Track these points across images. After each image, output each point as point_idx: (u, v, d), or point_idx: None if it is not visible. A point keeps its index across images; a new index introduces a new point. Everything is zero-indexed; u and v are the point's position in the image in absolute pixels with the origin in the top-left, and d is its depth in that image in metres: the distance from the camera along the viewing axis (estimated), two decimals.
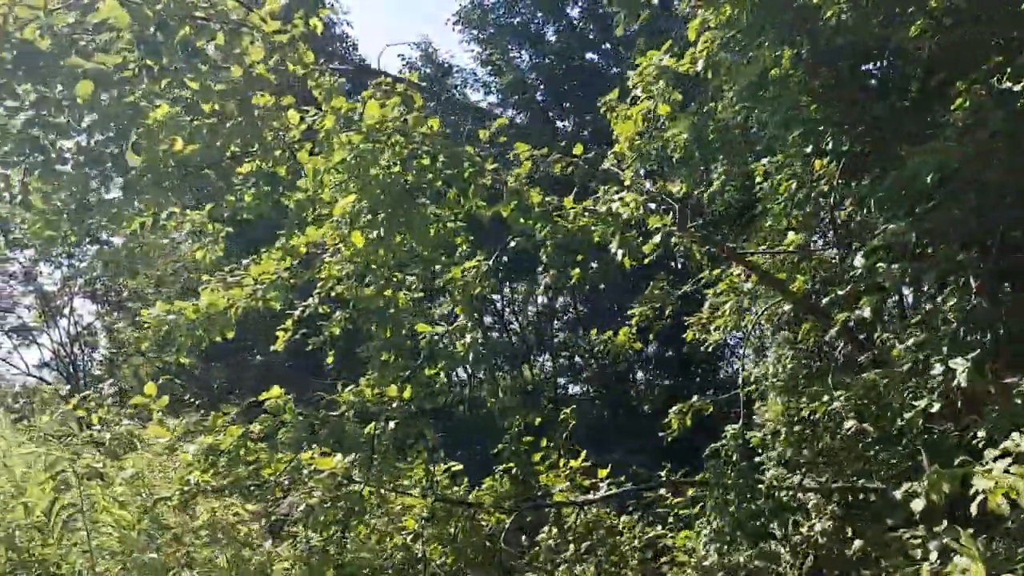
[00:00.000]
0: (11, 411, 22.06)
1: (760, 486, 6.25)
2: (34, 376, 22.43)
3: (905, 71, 6.31)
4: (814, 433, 6.34)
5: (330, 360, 7.80)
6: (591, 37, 21.38)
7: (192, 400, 15.42)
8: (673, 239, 6.04)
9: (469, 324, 6.29)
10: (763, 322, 7.61)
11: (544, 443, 7.35)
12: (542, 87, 21.21)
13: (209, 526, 5.94)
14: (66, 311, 21.90)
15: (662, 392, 19.20)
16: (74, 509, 5.50)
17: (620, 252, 5.51)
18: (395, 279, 6.04)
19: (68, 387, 22.27)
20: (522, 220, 6.14)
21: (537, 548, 7.44)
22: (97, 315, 22.58)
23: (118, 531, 5.26)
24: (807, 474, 6.18)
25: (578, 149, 6.22)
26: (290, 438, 6.35)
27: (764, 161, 6.73)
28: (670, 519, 8.24)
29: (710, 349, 7.73)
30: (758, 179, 6.82)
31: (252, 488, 6.41)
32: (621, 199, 5.40)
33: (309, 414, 6.30)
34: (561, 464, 7.35)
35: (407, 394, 6.19)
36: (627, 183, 5.50)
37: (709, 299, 7.85)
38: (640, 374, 22.04)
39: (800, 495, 6.11)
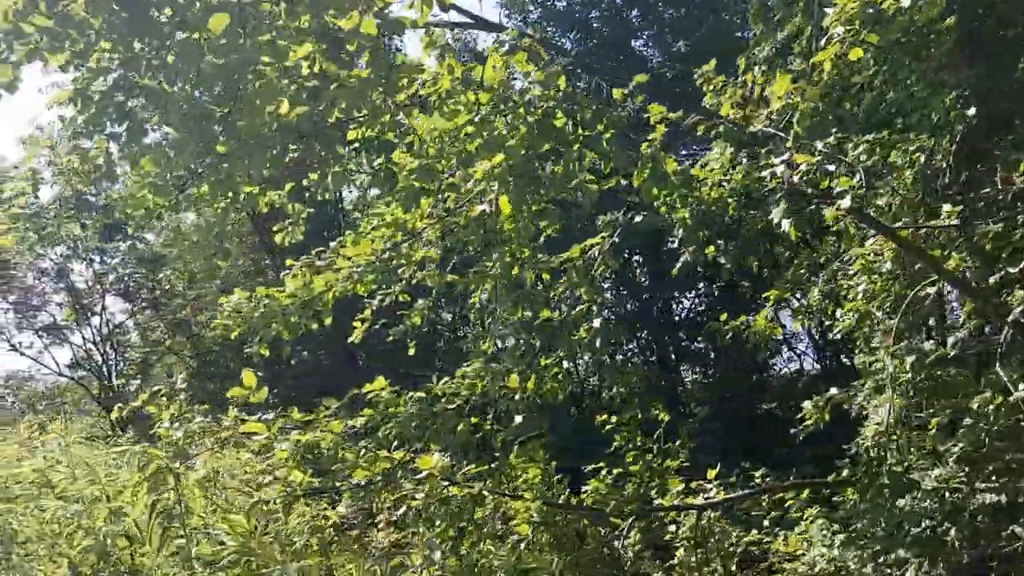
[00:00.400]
0: (39, 411, 21.70)
1: (921, 486, 5.61)
2: (65, 376, 21.97)
3: None
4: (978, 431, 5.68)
5: (411, 352, 7.23)
6: (636, 23, 20.78)
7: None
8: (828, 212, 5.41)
9: (595, 307, 5.67)
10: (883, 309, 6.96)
11: (659, 440, 6.72)
12: (586, 73, 20.59)
13: (315, 531, 5.34)
14: (97, 309, 21.42)
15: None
16: (170, 514, 4.90)
17: (784, 222, 4.87)
18: (522, 256, 5.42)
19: (99, 386, 21.85)
20: (655, 191, 5.52)
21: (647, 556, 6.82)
22: (129, 313, 22.11)
23: (234, 538, 4.65)
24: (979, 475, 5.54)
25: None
26: (398, 434, 5.74)
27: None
28: (765, 523, 7.66)
29: (839, 336, 7.06)
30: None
31: (352, 489, 5.81)
32: (787, 162, 4.77)
33: (424, 409, 5.69)
34: (676, 465, 6.72)
35: (531, 385, 5.58)
36: (789, 145, 4.86)
37: (820, 283, 7.22)
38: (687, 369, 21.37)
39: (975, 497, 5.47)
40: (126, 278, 21.03)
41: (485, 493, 5.66)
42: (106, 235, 20.31)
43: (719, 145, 5.36)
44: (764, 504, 7.12)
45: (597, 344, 5.64)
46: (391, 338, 7.36)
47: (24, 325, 21.41)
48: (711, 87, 5.78)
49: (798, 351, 22.33)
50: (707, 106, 5.88)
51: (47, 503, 4.89)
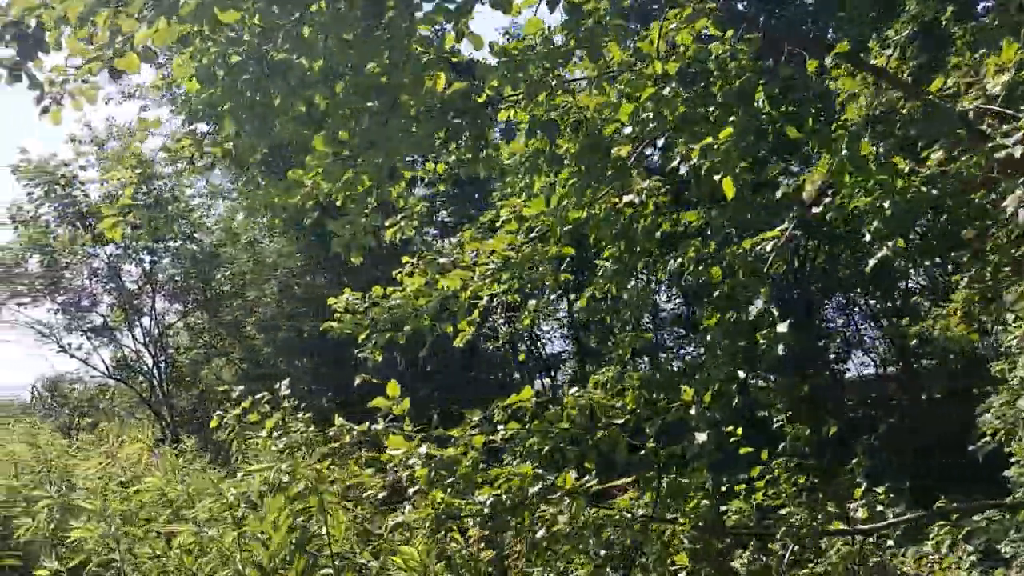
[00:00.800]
0: (87, 415, 21.35)
1: None
2: (114, 378, 21.58)
3: None
4: None
5: (522, 358, 6.62)
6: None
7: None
8: None
9: (775, 311, 5.01)
10: None
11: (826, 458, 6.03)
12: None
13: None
14: (147, 309, 21.02)
15: None
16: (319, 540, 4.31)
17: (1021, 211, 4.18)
18: (708, 250, 4.78)
19: (148, 389, 21.46)
20: (848, 177, 4.86)
21: None
22: (180, 314, 21.70)
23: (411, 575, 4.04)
24: None
25: None
26: (552, 450, 5.11)
27: None
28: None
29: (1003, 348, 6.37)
30: None
31: (497, 512, 5.19)
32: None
33: (579, 423, 5.06)
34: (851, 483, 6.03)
35: (708, 398, 4.92)
36: None
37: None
38: None
39: None
40: (177, 278, 20.61)
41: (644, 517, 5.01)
42: (157, 235, 19.91)
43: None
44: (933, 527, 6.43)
45: (778, 350, 4.98)
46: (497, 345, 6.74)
47: (73, 326, 21.08)
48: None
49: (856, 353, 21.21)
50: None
51: (180, 528, 4.32)
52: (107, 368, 21.35)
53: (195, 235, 20.69)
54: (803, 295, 18.28)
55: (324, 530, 4.32)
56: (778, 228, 5.17)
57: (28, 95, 4.11)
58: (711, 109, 4.27)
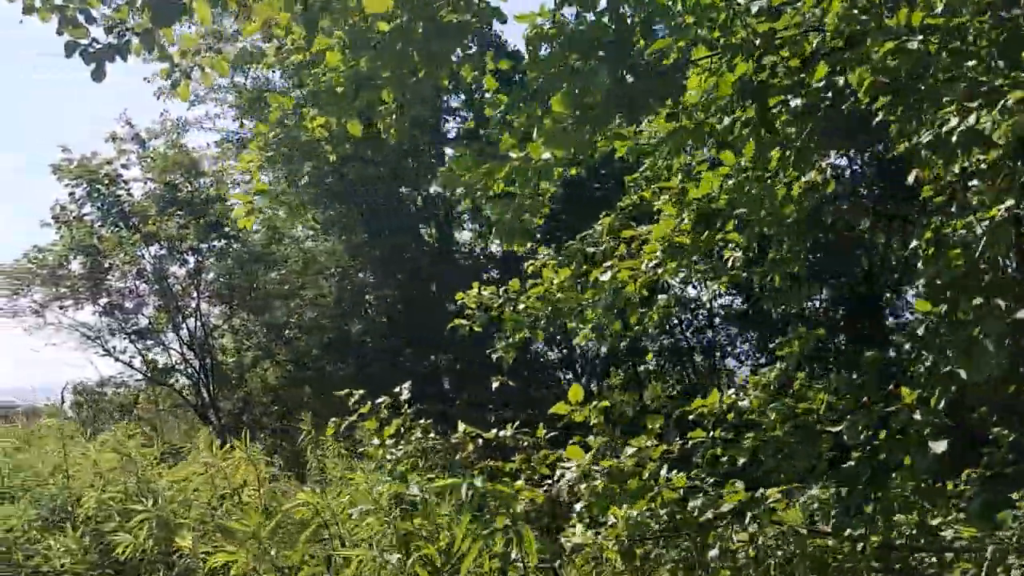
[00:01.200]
0: (136, 419, 20.90)
1: None
2: (158, 382, 21.13)
3: None
4: None
5: (649, 357, 6.02)
6: None
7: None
8: None
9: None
10: None
11: None
12: None
13: None
14: (192, 311, 20.55)
15: None
16: None
17: None
18: None
19: (193, 392, 21.01)
20: None
21: None
22: (224, 317, 21.23)
23: None
24: None
25: None
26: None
27: None
28: None
29: None
30: None
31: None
32: None
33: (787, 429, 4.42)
34: None
35: (934, 400, 4.27)
36: None
37: None
38: None
39: None
40: (223, 279, 20.13)
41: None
42: (204, 233, 19.45)
43: None
44: None
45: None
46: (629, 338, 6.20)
47: (117, 329, 20.65)
48: None
49: None
50: None
51: (352, 552, 3.72)
52: (150, 371, 20.92)
53: (240, 234, 20.23)
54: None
55: (516, 553, 3.72)
56: None
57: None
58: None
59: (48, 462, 7.47)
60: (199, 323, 20.34)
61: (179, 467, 7.07)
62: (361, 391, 6.24)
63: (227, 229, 20.13)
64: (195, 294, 20.43)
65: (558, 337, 19.45)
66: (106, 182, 19.77)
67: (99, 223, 19.79)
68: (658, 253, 5.04)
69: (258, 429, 19.61)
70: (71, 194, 20.01)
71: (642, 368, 21.26)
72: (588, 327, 5.34)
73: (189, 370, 20.52)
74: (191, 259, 20.36)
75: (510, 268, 22.60)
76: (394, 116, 4.57)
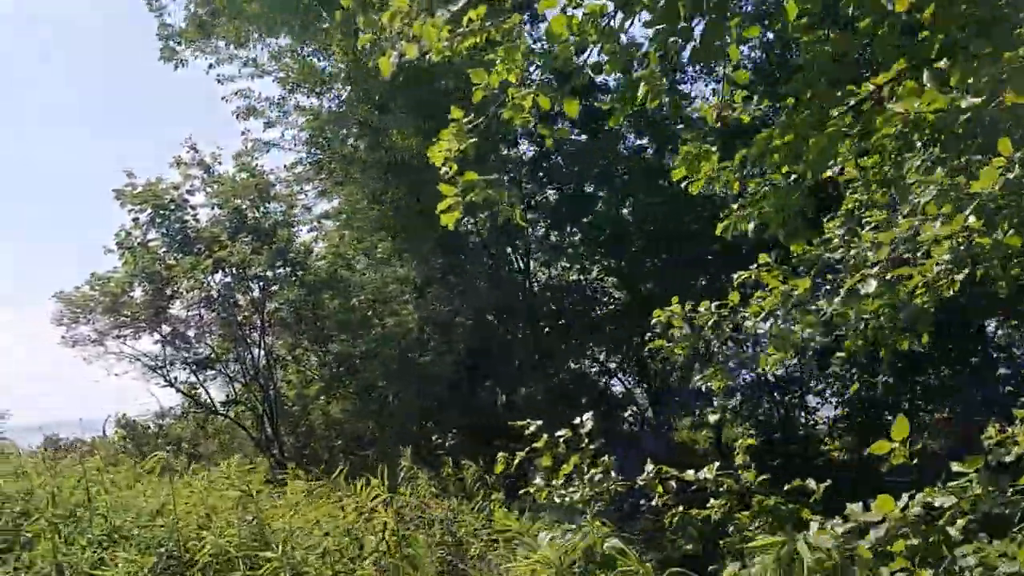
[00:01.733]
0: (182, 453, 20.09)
1: None
2: (221, 414, 20.34)
3: None
4: None
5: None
6: None
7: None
8: None
9: None
10: None
11: None
12: None
13: None
14: (256, 341, 19.80)
15: None
16: None
17: None
18: None
19: (256, 425, 20.18)
20: None
21: None
22: (289, 348, 20.44)
23: None
24: None
25: None
26: None
27: None
28: None
29: None
30: None
31: None
32: None
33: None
34: None
35: None
36: None
37: None
38: None
39: None
40: (290, 307, 19.36)
41: None
42: (272, 259, 18.74)
43: None
44: None
45: None
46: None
47: (178, 359, 19.94)
48: None
49: None
50: None
51: None
52: (212, 403, 20.15)
53: (306, 261, 19.51)
54: None
55: None
56: None
57: None
58: None
59: (152, 500, 6.60)
60: (263, 352, 19.57)
61: (308, 507, 6.14)
62: (539, 421, 5.28)
63: (292, 256, 19.44)
64: (259, 323, 19.69)
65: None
66: (172, 207, 19.22)
67: (164, 249, 19.20)
68: (944, 257, 4.04)
69: (320, 464, 18.69)
70: (135, 219, 19.47)
71: None
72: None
73: (252, 401, 19.70)
74: (255, 286, 19.66)
75: (585, 297, 21.62)
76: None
